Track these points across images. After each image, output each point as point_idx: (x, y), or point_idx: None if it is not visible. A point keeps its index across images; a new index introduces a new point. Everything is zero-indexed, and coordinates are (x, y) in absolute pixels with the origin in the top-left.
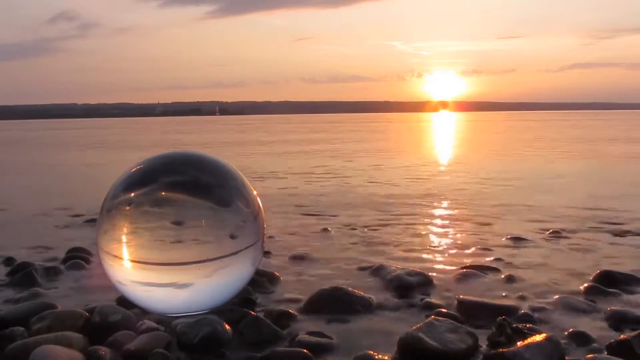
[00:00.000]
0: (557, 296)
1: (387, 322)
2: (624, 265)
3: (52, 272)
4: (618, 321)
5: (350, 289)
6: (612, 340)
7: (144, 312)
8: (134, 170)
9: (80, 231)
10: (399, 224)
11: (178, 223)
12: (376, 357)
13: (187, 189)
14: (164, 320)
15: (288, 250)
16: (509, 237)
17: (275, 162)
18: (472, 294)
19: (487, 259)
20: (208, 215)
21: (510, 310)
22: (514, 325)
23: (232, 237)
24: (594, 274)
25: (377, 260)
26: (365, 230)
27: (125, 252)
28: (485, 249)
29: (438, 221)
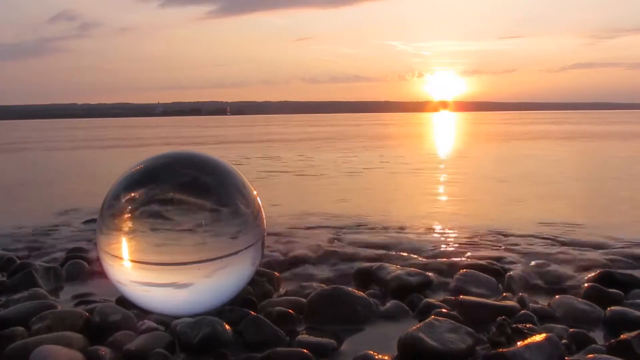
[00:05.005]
0: (557, 296)
1: (387, 322)
2: (624, 266)
3: (52, 272)
4: (618, 321)
5: (350, 289)
6: (612, 340)
7: (144, 312)
8: (134, 170)
9: (80, 231)
10: (398, 224)
11: (178, 223)
12: (376, 357)
13: (187, 189)
14: (164, 320)
15: (288, 250)
16: (509, 237)
17: None
18: (472, 294)
19: (488, 258)
20: (208, 215)
21: (510, 310)
22: (514, 325)
23: (232, 237)
24: (594, 274)
25: (377, 261)
26: (365, 230)
27: (125, 252)
28: (485, 249)
29: (438, 221)
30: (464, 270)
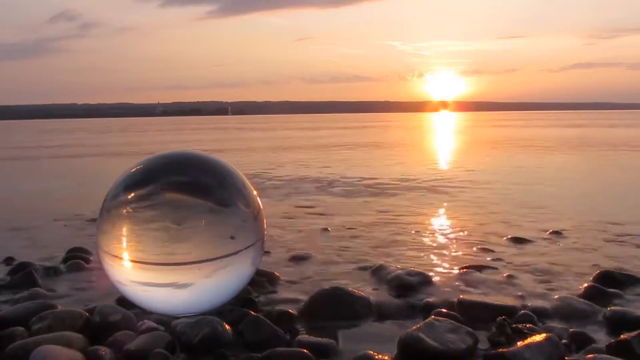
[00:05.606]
0: (557, 296)
1: (387, 322)
2: (624, 266)
3: (52, 272)
4: (618, 321)
5: (350, 289)
6: (612, 340)
7: (144, 312)
8: (134, 170)
9: (80, 231)
10: (398, 224)
11: (178, 223)
12: (376, 357)
13: (187, 189)
14: (164, 320)
15: (288, 250)
16: (508, 237)
17: None
18: (472, 294)
19: (487, 258)
20: (208, 216)
21: (510, 310)
22: (514, 325)
23: (232, 237)
24: (594, 274)
25: (377, 260)
26: (365, 230)
27: (125, 252)
28: (485, 249)
29: (438, 221)
30: (465, 269)
